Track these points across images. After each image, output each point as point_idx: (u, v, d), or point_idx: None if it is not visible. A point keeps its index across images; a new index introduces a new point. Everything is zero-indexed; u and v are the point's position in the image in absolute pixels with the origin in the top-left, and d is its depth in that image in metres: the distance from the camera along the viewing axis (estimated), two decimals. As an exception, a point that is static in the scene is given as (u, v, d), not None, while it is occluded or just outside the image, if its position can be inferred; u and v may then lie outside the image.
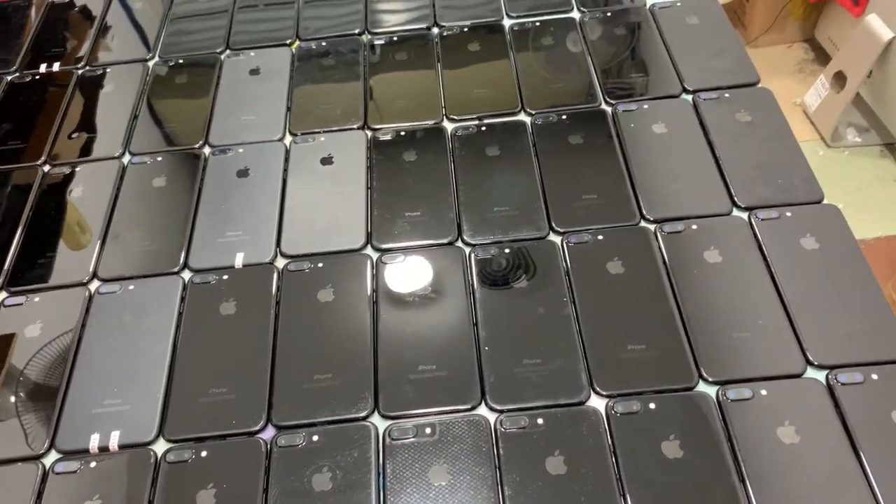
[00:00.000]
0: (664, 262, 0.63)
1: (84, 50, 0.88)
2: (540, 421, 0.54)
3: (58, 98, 0.82)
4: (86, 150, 0.77)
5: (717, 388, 0.55)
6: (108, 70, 0.85)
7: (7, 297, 0.66)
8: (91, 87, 0.84)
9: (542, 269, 0.63)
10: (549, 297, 0.61)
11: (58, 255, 0.68)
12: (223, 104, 0.80)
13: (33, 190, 0.74)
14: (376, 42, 0.85)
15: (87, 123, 0.80)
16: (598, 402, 0.55)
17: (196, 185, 0.72)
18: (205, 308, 0.63)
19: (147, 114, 0.80)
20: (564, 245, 0.65)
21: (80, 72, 0.85)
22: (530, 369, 0.57)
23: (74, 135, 0.79)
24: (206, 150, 0.76)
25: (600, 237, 0.65)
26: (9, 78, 0.86)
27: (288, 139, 0.76)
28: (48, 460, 0.56)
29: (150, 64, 0.85)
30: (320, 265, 0.65)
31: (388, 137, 0.75)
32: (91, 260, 0.67)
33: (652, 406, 0.54)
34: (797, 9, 1.82)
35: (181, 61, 0.85)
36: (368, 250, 0.66)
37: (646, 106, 0.75)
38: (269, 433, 0.56)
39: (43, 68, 0.86)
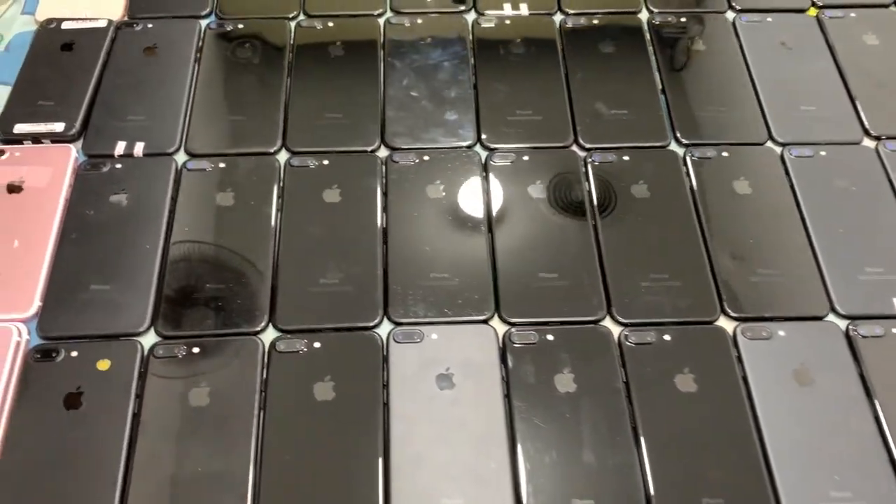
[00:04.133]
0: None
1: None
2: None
3: None
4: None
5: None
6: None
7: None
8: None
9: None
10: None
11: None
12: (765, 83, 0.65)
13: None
14: (828, 15, 0.70)
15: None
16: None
17: (789, 197, 0.60)
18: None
19: (674, 92, 0.65)
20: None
21: None
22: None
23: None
24: (775, 147, 0.63)
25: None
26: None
27: (869, 143, 0.63)
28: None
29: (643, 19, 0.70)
30: None
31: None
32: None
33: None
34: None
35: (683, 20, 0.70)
36: None
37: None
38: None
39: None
